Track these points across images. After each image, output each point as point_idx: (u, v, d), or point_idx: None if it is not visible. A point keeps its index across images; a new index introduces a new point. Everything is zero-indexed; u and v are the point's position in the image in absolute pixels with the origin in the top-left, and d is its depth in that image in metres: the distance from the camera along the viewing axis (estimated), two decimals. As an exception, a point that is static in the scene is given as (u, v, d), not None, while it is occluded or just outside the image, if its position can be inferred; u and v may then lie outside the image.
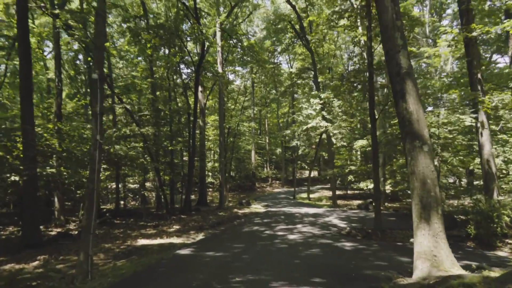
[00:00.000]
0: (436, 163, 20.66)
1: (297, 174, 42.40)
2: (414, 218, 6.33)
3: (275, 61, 37.57)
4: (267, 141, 48.09)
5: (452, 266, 5.83)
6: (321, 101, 21.93)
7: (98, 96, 8.59)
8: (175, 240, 12.90)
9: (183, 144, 21.29)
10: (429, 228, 6.05)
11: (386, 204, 24.27)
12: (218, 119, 24.07)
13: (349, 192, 35.06)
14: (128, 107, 16.77)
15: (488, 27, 11.93)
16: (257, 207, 24.17)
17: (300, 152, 37.76)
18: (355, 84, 14.14)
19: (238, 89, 41.69)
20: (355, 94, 17.51)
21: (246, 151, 45.74)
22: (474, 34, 11.85)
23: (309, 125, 22.49)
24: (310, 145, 33.94)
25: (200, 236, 13.53)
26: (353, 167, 30.07)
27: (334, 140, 29.44)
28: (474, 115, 12.14)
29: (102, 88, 8.84)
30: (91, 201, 8.39)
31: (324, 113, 22.34)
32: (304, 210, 21.64)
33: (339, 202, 28.84)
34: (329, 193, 34.62)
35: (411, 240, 12.43)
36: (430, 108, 26.10)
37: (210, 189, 40.62)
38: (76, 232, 14.45)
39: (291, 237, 12.40)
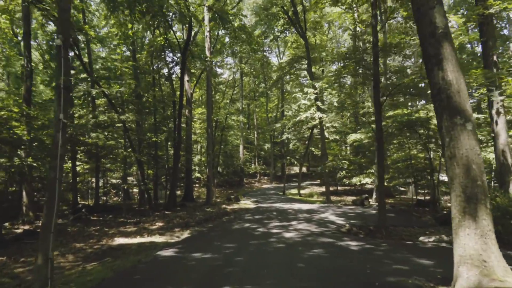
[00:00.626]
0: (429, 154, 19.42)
1: (286, 170, 41.15)
2: (455, 214, 5.07)
3: (265, 49, 36.06)
4: (256, 136, 46.73)
5: (506, 274, 4.61)
6: (316, 91, 20.66)
7: (62, 66, 7.10)
8: (157, 238, 11.48)
9: (168, 135, 19.73)
10: (475, 226, 4.80)
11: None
12: (206, 109, 22.46)
13: (339, 188, 34.00)
14: (106, 91, 15.15)
15: (507, 3, 10.80)
16: (247, 203, 22.84)
17: (290, 146, 36.51)
18: (357, 68, 12.83)
19: (226, 81, 40.18)
20: (353, 79, 16.25)
21: (234, 146, 44.37)
22: (492, 11, 10.72)
23: (303, 116, 21.21)
24: (301, 138, 32.72)
25: (186, 234, 12.14)
26: (345, 162, 29.02)
27: (326, 134, 28.32)
28: (500, 97, 10.97)
29: (67, 57, 7.33)
30: (53, 192, 6.91)
31: (319, 103, 21.08)
32: (296, 206, 20.41)
33: (331, 197, 27.76)
34: (319, 189, 33.53)
35: (420, 238, 11.31)
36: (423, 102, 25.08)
37: (197, 185, 39.12)
38: (45, 230, 12.87)
39: (287, 235, 11.12)
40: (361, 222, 13.99)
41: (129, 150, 17.49)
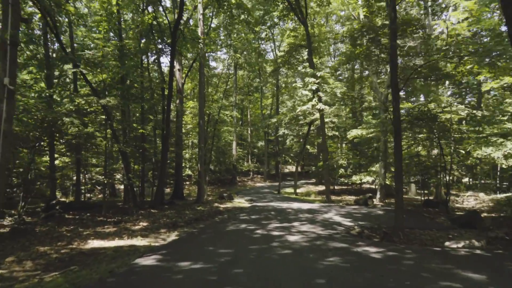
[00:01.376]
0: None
1: (280, 168, 39.50)
2: None
3: (261, 36, 34.22)
4: (249, 132, 45.08)
5: None
6: (317, 80, 19.04)
7: (9, 16, 5.38)
8: (139, 241, 9.79)
9: (156, 124, 17.85)
10: None
11: (386, 200, 21.76)
12: (198, 100, 20.53)
13: (336, 187, 32.54)
14: (84, 71, 13.39)
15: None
16: (241, 202, 21.21)
17: (287, 142, 34.81)
18: (371, 48, 11.25)
19: (219, 74, 38.43)
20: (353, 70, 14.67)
21: (227, 143, 42.66)
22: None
23: (304, 107, 19.56)
24: (298, 134, 31.10)
25: (173, 236, 10.48)
26: (346, 159, 27.59)
27: (326, 130, 26.90)
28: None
29: (18, 4, 5.61)
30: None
31: (320, 93, 19.47)
32: (295, 205, 18.83)
33: (322, 197, 26.26)
34: (316, 188, 32.05)
35: (446, 243, 9.77)
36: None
37: (187, 182, 37.42)
38: (8, 230, 11.05)
39: (291, 238, 9.54)
40: (371, 224, 12.49)
41: (110, 139, 15.71)
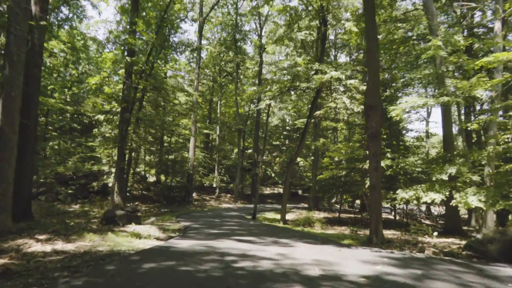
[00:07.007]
0: None
1: (258, 183, 25.76)
2: None
3: None
4: (217, 133, 31.74)
5: None
6: None
7: None
8: None
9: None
10: None
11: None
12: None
13: (341, 214, 19.58)
14: None
15: None
16: (145, 232, 7.73)
17: (274, 121, 21.51)
18: None
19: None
20: None
21: (182, 145, 28.98)
22: None
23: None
24: (294, 106, 18.05)
25: None
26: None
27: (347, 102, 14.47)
28: None
29: None
30: None
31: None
32: (302, 253, 5.59)
33: (336, 229, 13.19)
34: (315, 215, 18.68)
35: None
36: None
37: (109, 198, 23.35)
38: None
39: None
40: None
41: None
